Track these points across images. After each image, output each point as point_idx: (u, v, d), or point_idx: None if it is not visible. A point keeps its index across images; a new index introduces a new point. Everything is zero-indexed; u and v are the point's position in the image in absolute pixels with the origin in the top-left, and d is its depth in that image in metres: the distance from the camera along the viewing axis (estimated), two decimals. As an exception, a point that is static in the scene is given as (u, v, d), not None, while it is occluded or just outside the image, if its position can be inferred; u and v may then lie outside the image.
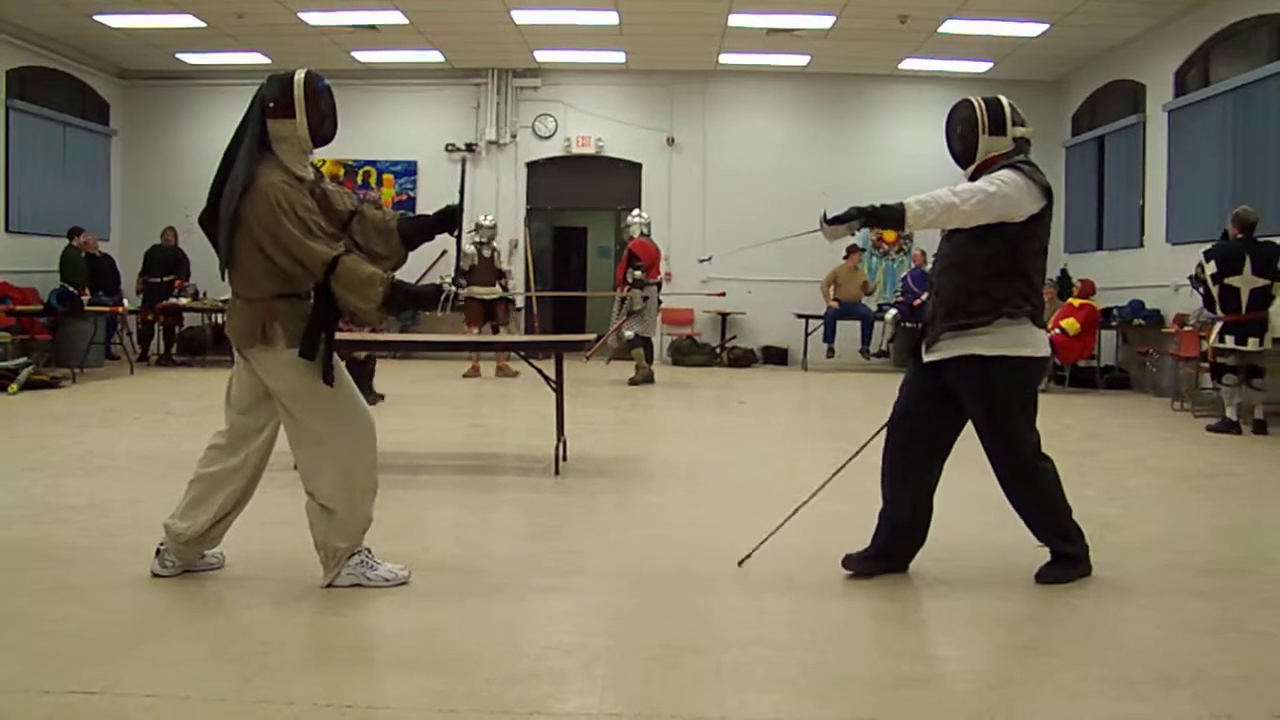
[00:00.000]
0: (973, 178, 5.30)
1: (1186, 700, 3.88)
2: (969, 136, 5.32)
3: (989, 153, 5.28)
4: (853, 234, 5.38)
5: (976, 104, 5.34)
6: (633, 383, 15.11)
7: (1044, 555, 5.39)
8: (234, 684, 3.85)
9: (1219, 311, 10.96)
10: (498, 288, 15.97)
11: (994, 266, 5.14)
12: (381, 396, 12.27)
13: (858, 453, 5.67)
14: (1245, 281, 10.73)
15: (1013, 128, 5.31)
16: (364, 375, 12.27)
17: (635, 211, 16.33)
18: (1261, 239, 10.86)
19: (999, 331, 5.14)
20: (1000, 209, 5.05)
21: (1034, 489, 5.34)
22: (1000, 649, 4.57)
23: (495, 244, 16.22)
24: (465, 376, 15.69)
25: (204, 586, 5.09)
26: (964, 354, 5.17)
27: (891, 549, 5.45)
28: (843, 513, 5.66)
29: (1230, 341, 10.86)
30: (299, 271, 4.79)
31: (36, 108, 17.25)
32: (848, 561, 5.40)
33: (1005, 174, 5.11)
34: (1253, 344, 10.76)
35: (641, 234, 15.69)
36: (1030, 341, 5.23)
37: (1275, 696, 3.92)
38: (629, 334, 15.46)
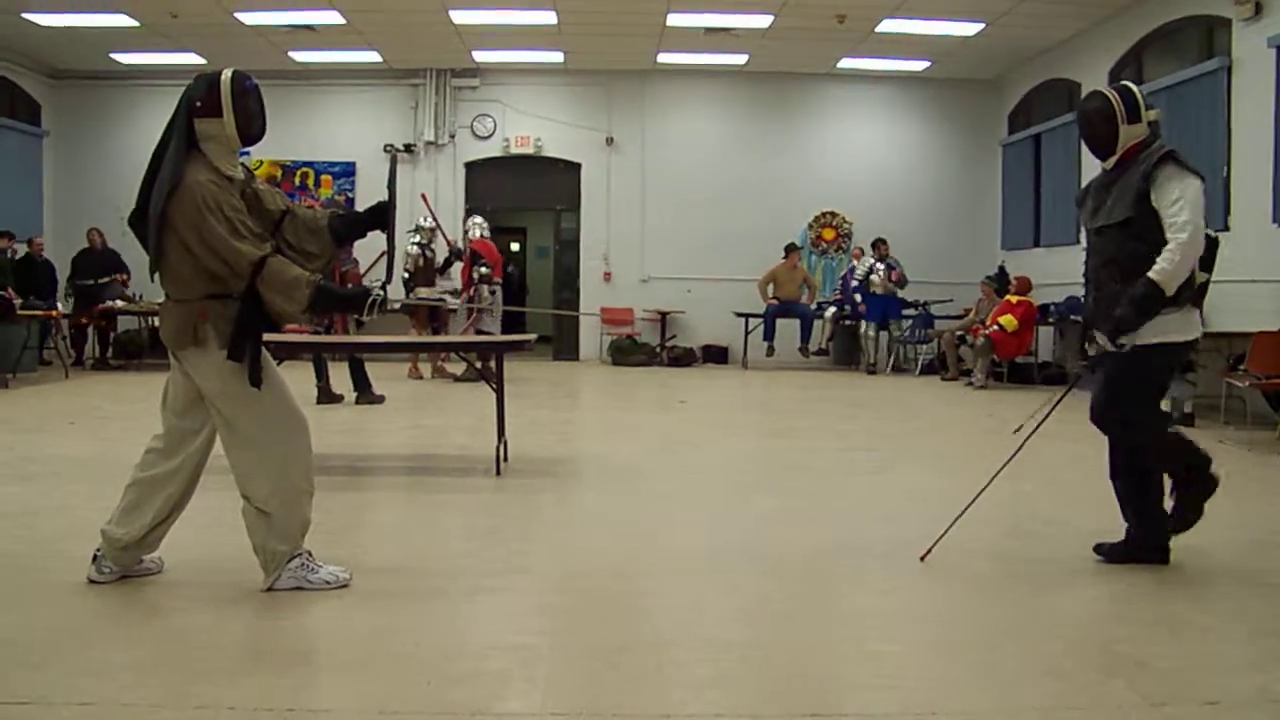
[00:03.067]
0: (1115, 167, 5.39)
1: (1123, 690, 3.92)
2: (1108, 128, 5.36)
3: (1128, 142, 5.35)
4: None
5: (1111, 95, 5.37)
6: (462, 379, 15.07)
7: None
8: (172, 690, 3.81)
9: None
10: (438, 289, 15.90)
11: (1154, 253, 5.24)
12: (383, 398, 12.28)
13: (1035, 428, 5.66)
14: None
15: (1146, 113, 5.36)
16: (362, 381, 12.29)
17: (477, 218, 16.25)
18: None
19: (1177, 316, 5.39)
20: (1201, 214, 5.25)
21: (1147, 473, 5.57)
22: (940, 643, 4.59)
23: (435, 245, 16.16)
24: (409, 377, 15.67)
25: (142, 592, 5.03)
26: (1163, 340, 5.34)
27: (1138, 544, 5.62)
28: (781, 508, 5.68)
29: None
30: (226, 271, 4.74)
31: (-35, 109, 16.98)
32: (1100, 549, 5.60)
33: (1182, 182, 5.21)
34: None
35: (481, 235, 15.74)
36: (1183, 325, 5.51)
37: (1209, 685, 3.99)
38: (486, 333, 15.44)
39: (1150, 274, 5.11)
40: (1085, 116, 5.46)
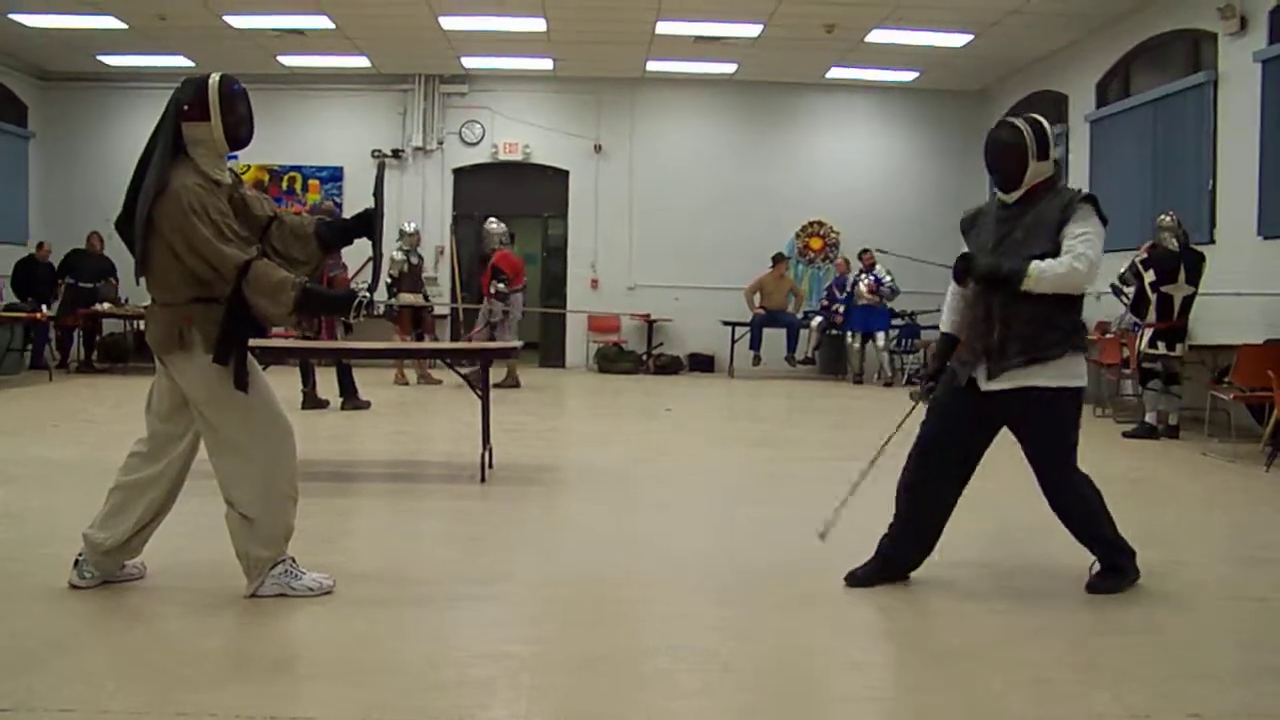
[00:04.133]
0: (1019, 202, 5.32)
1: (1107, 700, 3.93)
2: (1018, 163, 5.26)
3: (1036, 178, 5.28)
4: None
5: (1023, 129, 5.26)
6: (501, 386, 15.07)
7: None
8: (154, 696, 3.79)
9: (1152, 318, 11.13)
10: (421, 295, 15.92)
11: (1059, 299, 5.17)
12: (369, 404, 12.28)
13: (878, 455, 5.67)
14: (1178, 290, 10.95)
15: (1053, 150, 5.32)
16: (349, 387, 12.28)
17: (491, 220, 16.29)
18: (1189, 247, 11.09)
19: (1066, 363, 5.22)
20: (1100, 261, 5.19)
21: (1085, 504, 5.46)
22: (924, 655, 4.60)
23: (420, 250, 16.15)
24: (396, 383, 15.66)
25: (124, 597, 5.01)
26: (1031, 385, 5.20)
27: (895, 561, 5.46)
28: (766, 518, 5.68)
29: (1162, 347, 11.06)
30: (212, 275, 4.73)
31: (-49, 111, 16.93)
32: (851, 579, 5.40)
33: (1095, 225, 5.20)
34: (1179, 349, 10.99)
35: (501, 244, 15.79)
36: (1083, 373, 5.38)
37: (1193, 696, 3.99)
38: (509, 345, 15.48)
39: (1032, 264, 5.06)
40: (995, 146, 5.34)
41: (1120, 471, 9.17)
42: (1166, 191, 13.39)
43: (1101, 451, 10.30)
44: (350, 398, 12.29)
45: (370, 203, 5.33)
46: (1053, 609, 5.15)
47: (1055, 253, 5.11)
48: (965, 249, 5.42)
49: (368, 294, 5.05)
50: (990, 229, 5.42)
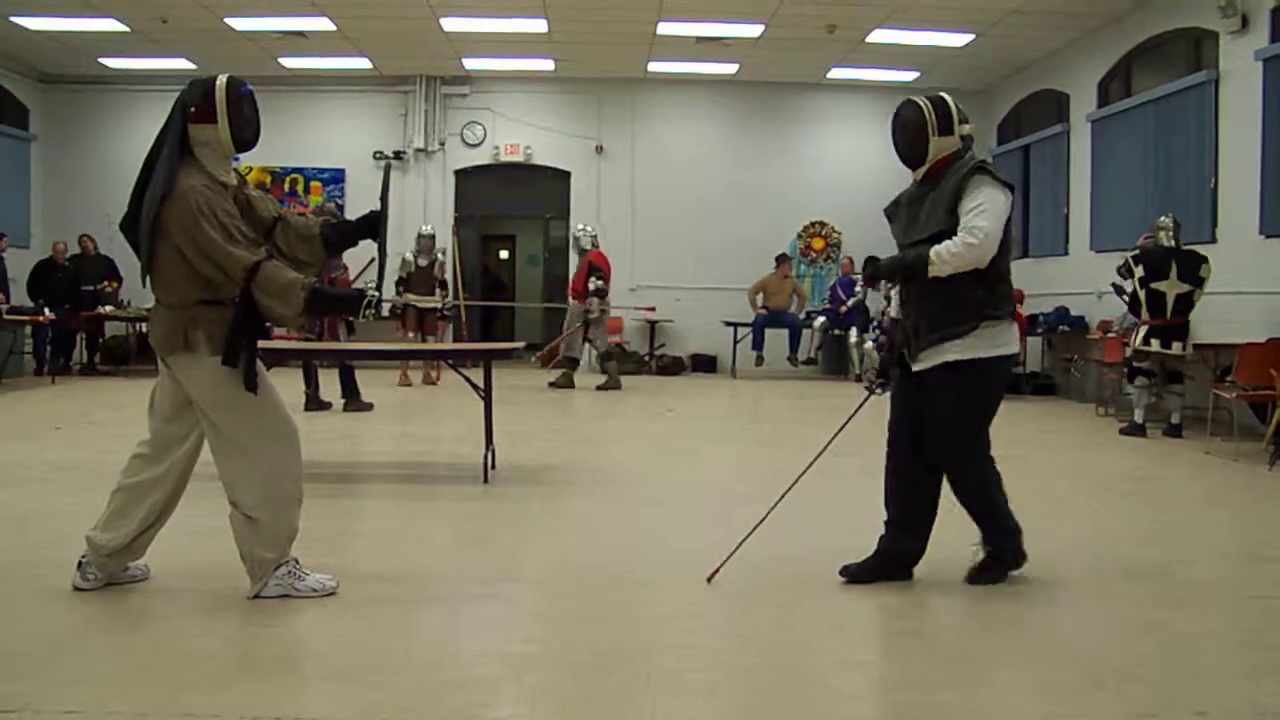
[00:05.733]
0: (924, 180, 5.34)
1: (1112, 700, 3.92)
2: (919, 139, 5.29)
3: (939, 154, 5.29)
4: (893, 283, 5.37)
5: (924, 105, 5.30)
6: (603, 388, 15.70)
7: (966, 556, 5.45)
8: (159, 698, 3.79)
9: (1144, 315, 11.14)
10: (436, 297, 15.94)
11: (975, 274, 5.15)
12: (371, 405, 12.29)
13: (823, 451, 5.68)
14: (1171, 286, 10.95)
15: (959, 126, 5.31)
16: (351, 388, 12.30)
17: (582, 225, 16.60)
18: (1185, 246, 11.07)
19: (978, 335, 5.19)
20: (1001, 225, 5.11)
21: (981, 487, 5.40)
22: (929, 654, 4.59)
23: (434, 253, 16.16)
24: (400, 385, 15.70)
25: (127, 599, 5.01)
26: (945, 360, 5.21)
27: (891, 556, 5.47)
28: (774, 517, 5.67)
29: (1156, 345, 11.07)
30: (220, 277, 4.74)
31: (-48, 113, 16.94)
32: (846, 573, 5.42)
33: (989, 192, 5.13)
34: (1176, 348, 10.99)
35: (594, 244, 16.08)
36: (1006, 340, 5.31)
37: (1198, 695, 3.98)
38: (600, 347, 16.22)
39: (930, 250, 5.06)
40: (896, 124, 5.39)
41: (1123, 470, 9.21)
42: (1168, 190, 13.40)
43: (1103, 451, 10.36)
44: (352, 399, 12.29)
45: (376, 205, 5.33)
46: (1056, 607, 5.16)
47: (953, 228, 5.11)
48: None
49: (375, 293, 5.06)
50: (905, 212, 5.46)
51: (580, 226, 16.57)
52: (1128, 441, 10.97)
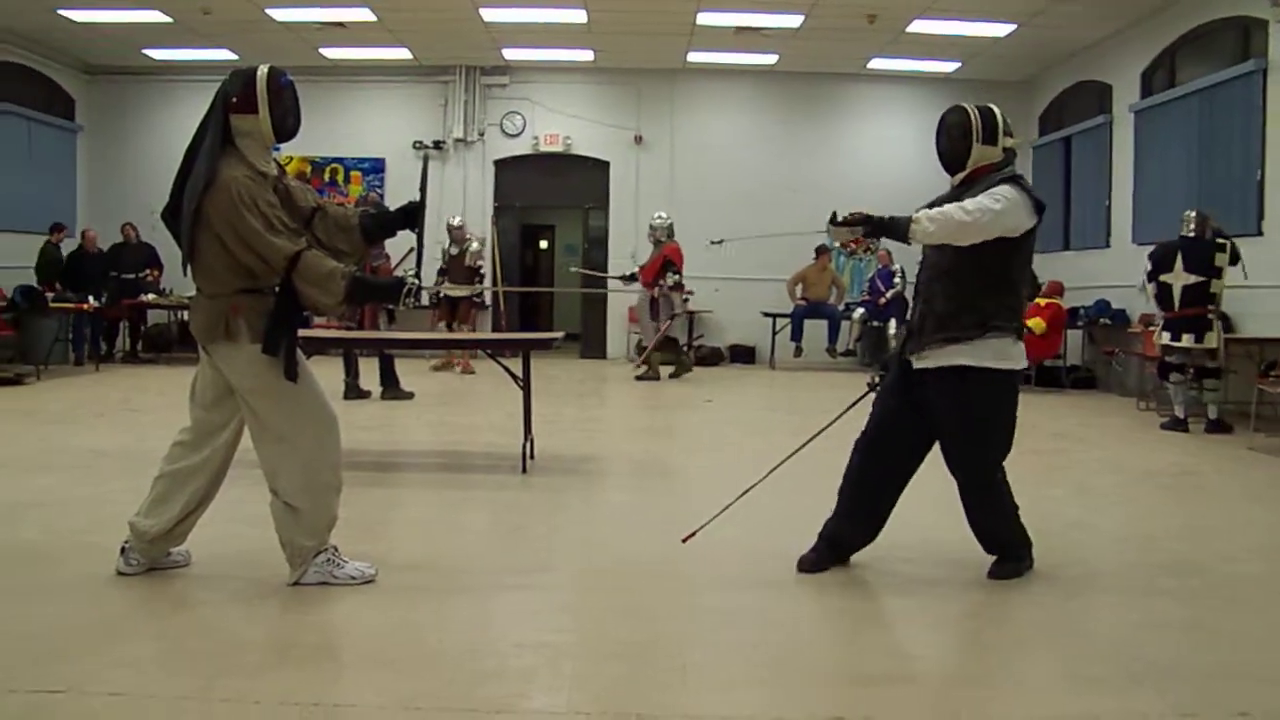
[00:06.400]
0: (961, 184, 5.32)
1: (1151, 697, 3.90)
2: (962, 143, 5.27)
3: (980, 162, 5.27)
4: (856, 238, 5.33)
5: (971, 112, 5.27)
6: (644, 379, 15.80)
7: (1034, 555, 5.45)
8: (199, 682, 3.83)
9: (1154, 309, 11.14)
10: (466, 286, 16.00)
11: (986, 278, 5.14)
12: (411, 394, 12.35)
13: (815, 437, 5.67)
14: (1176, 278, 10.87)
15: (1003, 138, 5.28)
16: (390, 376, 12.36)
17: (660, 215, 16.53)
18: (1220, 238, 10.94)
19: (985, 344, 5.17)
20: (1003, 226, 5.06)
21: (992, 504, 5.39)
22: (967, 647, 4.58)
23: (466, 243, 16.22)
24: (436, 369, 15.80)
25: (169, 584, 5.05)
26: (948, 365, 5.19)
27: (839, 543, 5.54)
28: (814, 509, 5.66)
29: (1167, 338, 11.00)
30: (261, 266, 4.76)
31: (2, 104, 17.07)
32: (803, 564, 5.46)
33: (1006, 190, 5.09)
34: (1186, 340, 10.85)
35: (670, 236, 16.13)
36: (1013, 355, 5.28)
37: (1240, 694, 3.95)
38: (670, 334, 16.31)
39: (920, 213, 5.03)
40: (942, 127, 5.36)
41: (1163, 466, 9.14)
42: (1212, 182, 13.26)
43: (1144, 445, 10.28)
44: (390, 387, 12.34)
45: (416, 195, 5.36)
46: (1094, 602, 5.13)
47: (987, 244, 5.09)
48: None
49: (415, 281, 5.08)
50: None
51: (658, 216, 16.43)
52: (1169, 436, 10.88)
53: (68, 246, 17.20)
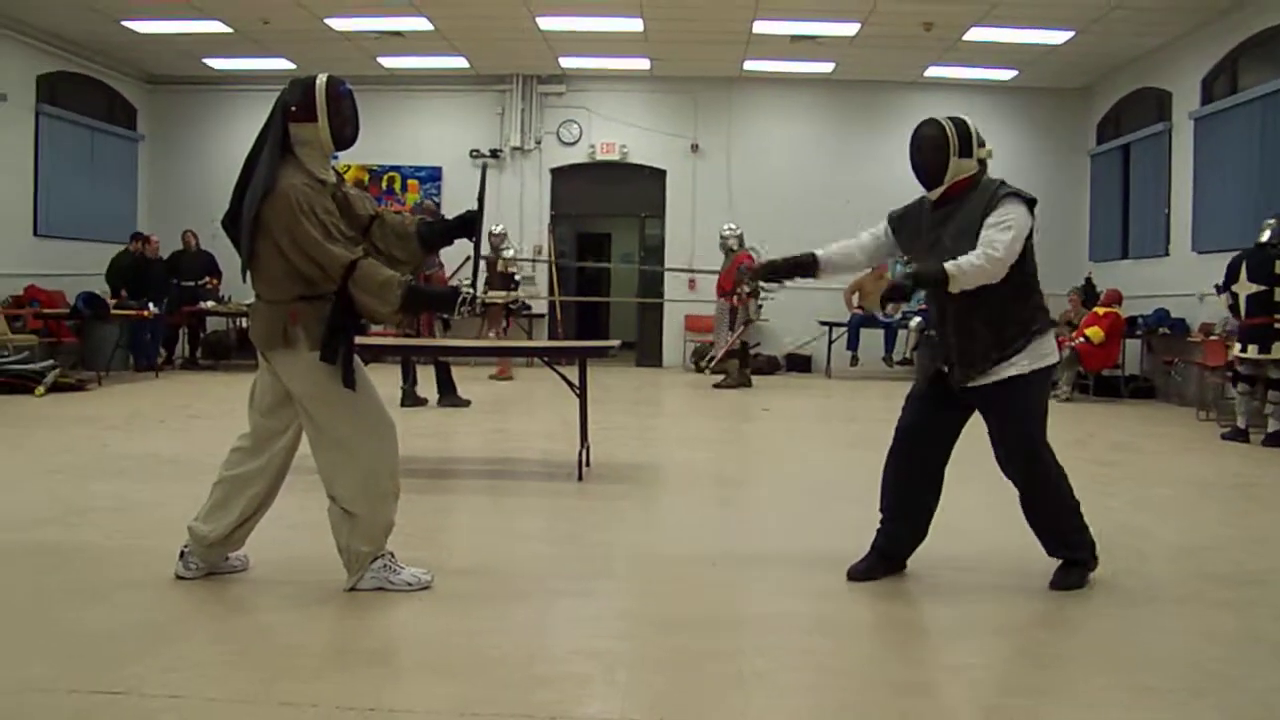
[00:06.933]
0: (941, 199, 5.32)
1: (1211, 710, 3.85)
2: (938, 158, 5.24)
3: (957, 175, 5.26)
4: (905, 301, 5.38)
5: (945, 125, 5.26)
6: (722, 386, 15.95)
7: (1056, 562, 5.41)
8: (258, 686, 3.87)
9: (1234, 318, 11.05)
10: (504, 293, 16.12)
11: (1010, 288, 5.15)
12: (468, 402, 12.41)
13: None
14: (1242, 288, 10.78)
15: (977, 149, 5.28)
16: (447, 384, 12.43)
17: (730, 226, 16.72)
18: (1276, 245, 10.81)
19: (1028, 350, 5.20)
20: (1021, 242, 5.09)
21: (1057, 494, 5.38)
22: (1022, 656, 4.55)
23: (503, 251, 16.27)
24: (493, 378, 15.92)
25: (228, 589, 5.10)
26: (998, 380, 5.21)
27: (890, 553, 5.53)
28: (864, 517, 5.65)
29: (1239, 349, 10.91)
30: (318, 274, 4.79)
31: (66, 113, 17.37)
32: (853, 573, 5.46)
33: (1009, 210, 5.11)
34: (1252, 350, 10.74)
35: (741, 246, 16.29)
36: (1051, 350, 5.34)
37: (1301, 707, 3.90)
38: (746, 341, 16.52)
39: (948, 264, 5.00)
40: (917, 143, 5.32)
41: (1223, 477, 9.04)
42: (1275, 190, 13.08)
43: (1204, 456, 10.18)
44: (447, 395, 12.41)
45: (474, 204, 5.37)
46: (1152, 613, 5.07)
47: None
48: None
49: (470, 290, 5.10)
50: (922, 234, 5.43)
51: (728, 227, 16.60)
52: (1229, 447, 10.75)
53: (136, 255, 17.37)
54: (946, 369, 5.34)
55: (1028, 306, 5.25)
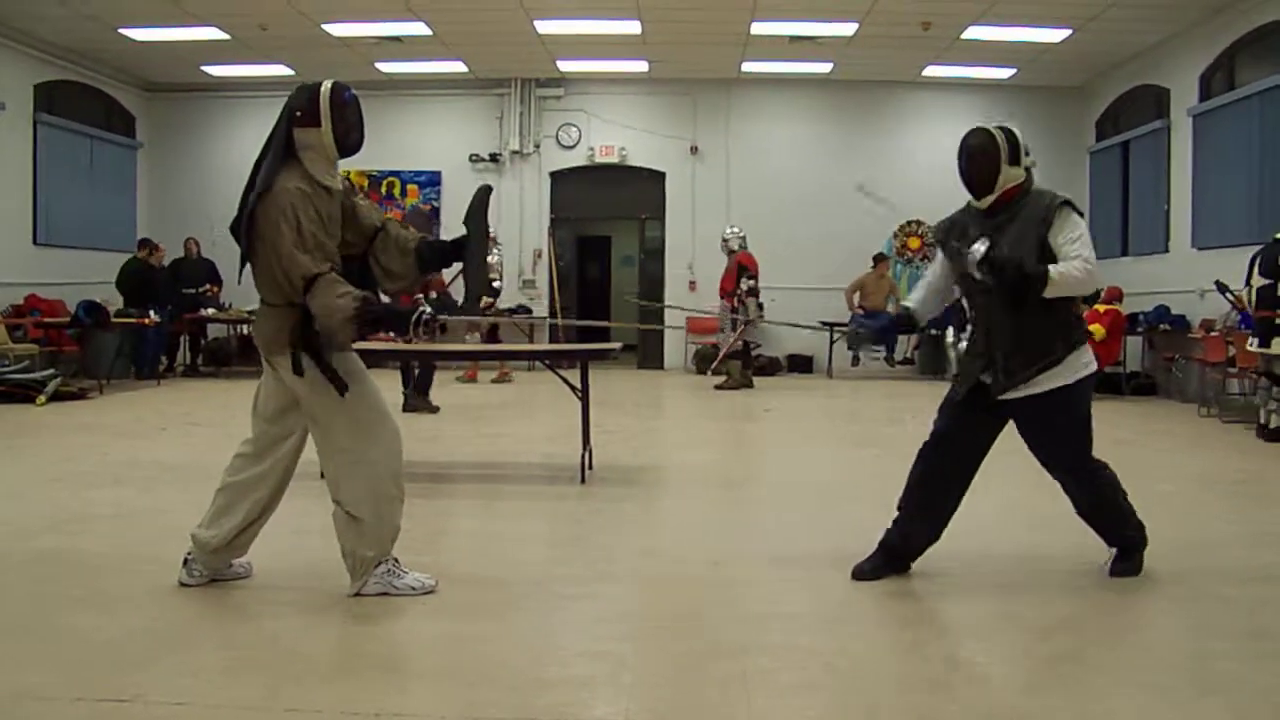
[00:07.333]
0: (991, 208, 5.32)
1: (1220, 708, 3.84)
2: (990, 167, 5.27)
3: (1007, 184, 5.28)
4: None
5: (996, 134, 5.29)
6: (724, 388, 15.97)
7: (1091, 560, 5.43)
8: (262, 692, 3.87)
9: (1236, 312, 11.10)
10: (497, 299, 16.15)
11: (1059, 302, 5.20)
12: (437, 408, 12.35)
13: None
14: (1254, 281, 10.78)
15: (1024, 158, 5.31)
16: (423, 386, 12.36)
17: (731, 227, 16.72)
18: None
19: (1071, 360, 5.24)
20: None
21: (1108, 494, 5.46)
22: (1031, 655, 4.54)
23: (493, 260, 16.20)
24: (494, 381, 15.96)
25: (231, 595, 5.11)
26: (1044, 390, 5.23)
27: (901, 552, 5.54)
28: (866, 516, 5.65)
29: (1255, 344, 10.89)
30: (284, 281, 4.78)
31: (64, 121, 17.34)
32: (858, 573, 5.47)
33: (1081, 224, 5.21)
34: (1252, 344, 10.74)
35: (742, 246, 16.27)
36: (1091, 359, 5.38)
37: (1310, 705, 3.89)
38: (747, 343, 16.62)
39: (1052, 268, 5.05)
40: (967, 152, 5.34)
41: (1226, 473, 9.05)
42: (1274, 186, 13.08)
43: (1207, 452, 10.18)
44: (417, 397, 12.28)
45: (473, 219, 5.31)
46: (1158, 609, 5.08)
47: (1043, 260, 5.14)
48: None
49: (428, 308, 5.06)
50: (973, 241, 5.40)
51: (730, 228, 16.63)
52: (1232, 442, 10.73)
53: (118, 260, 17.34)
54: (989, 379, 5.32)
55: (1069, 318, 5.31)
